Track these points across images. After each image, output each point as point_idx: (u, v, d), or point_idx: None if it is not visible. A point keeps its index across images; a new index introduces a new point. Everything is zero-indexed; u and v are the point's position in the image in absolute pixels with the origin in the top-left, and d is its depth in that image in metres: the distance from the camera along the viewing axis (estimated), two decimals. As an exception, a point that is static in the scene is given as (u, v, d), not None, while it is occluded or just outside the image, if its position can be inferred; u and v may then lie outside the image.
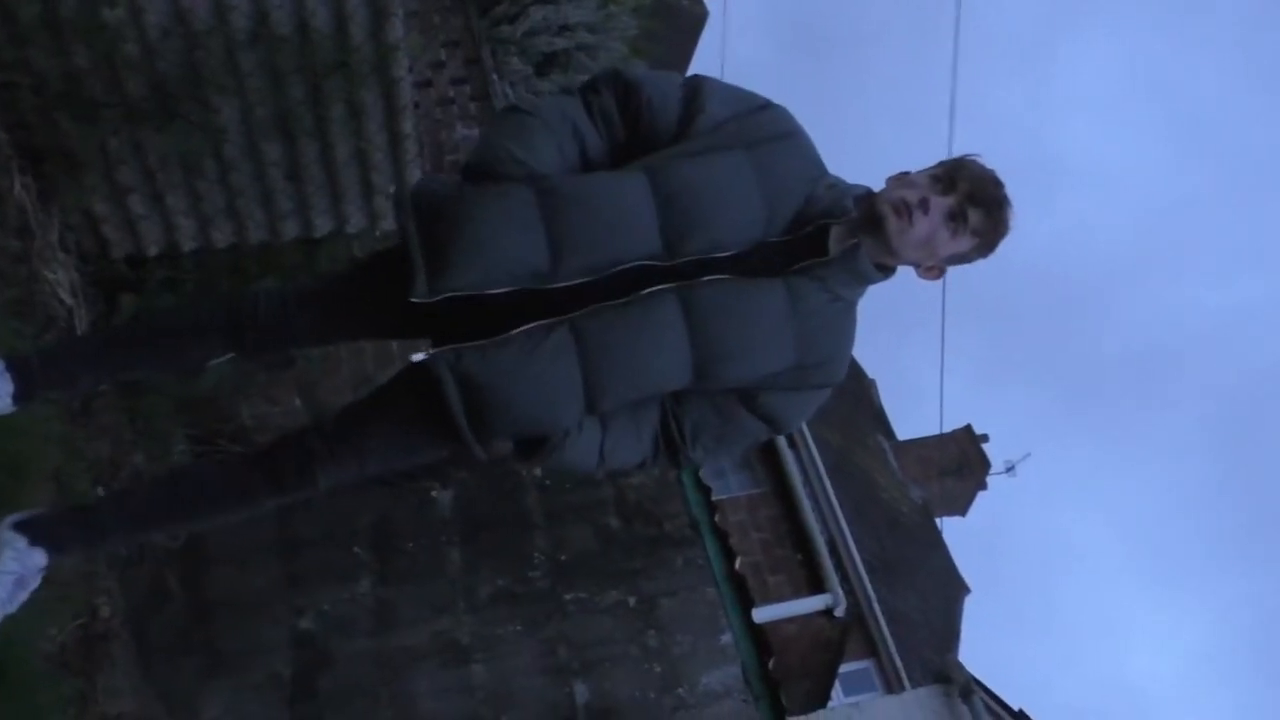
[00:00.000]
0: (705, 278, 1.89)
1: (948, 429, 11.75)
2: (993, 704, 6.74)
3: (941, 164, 1.96)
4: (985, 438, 11.85)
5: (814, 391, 2.07)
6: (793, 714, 3.35)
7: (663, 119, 1.97)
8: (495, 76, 4.49)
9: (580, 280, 1.87)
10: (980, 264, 2.01)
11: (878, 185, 1.96)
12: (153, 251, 3.51)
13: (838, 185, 1.97)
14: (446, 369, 1.89)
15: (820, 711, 6.79)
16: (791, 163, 1.96)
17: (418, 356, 1.91)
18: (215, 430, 3.88)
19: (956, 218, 1.88)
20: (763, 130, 1.96)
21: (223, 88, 3.08)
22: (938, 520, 10.90)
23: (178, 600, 3.53)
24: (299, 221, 3.56)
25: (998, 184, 1.91)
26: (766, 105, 2.01)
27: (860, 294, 2.02)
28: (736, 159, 1.93)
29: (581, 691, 3.27)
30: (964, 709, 6.82)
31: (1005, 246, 1.94)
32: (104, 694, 3.10)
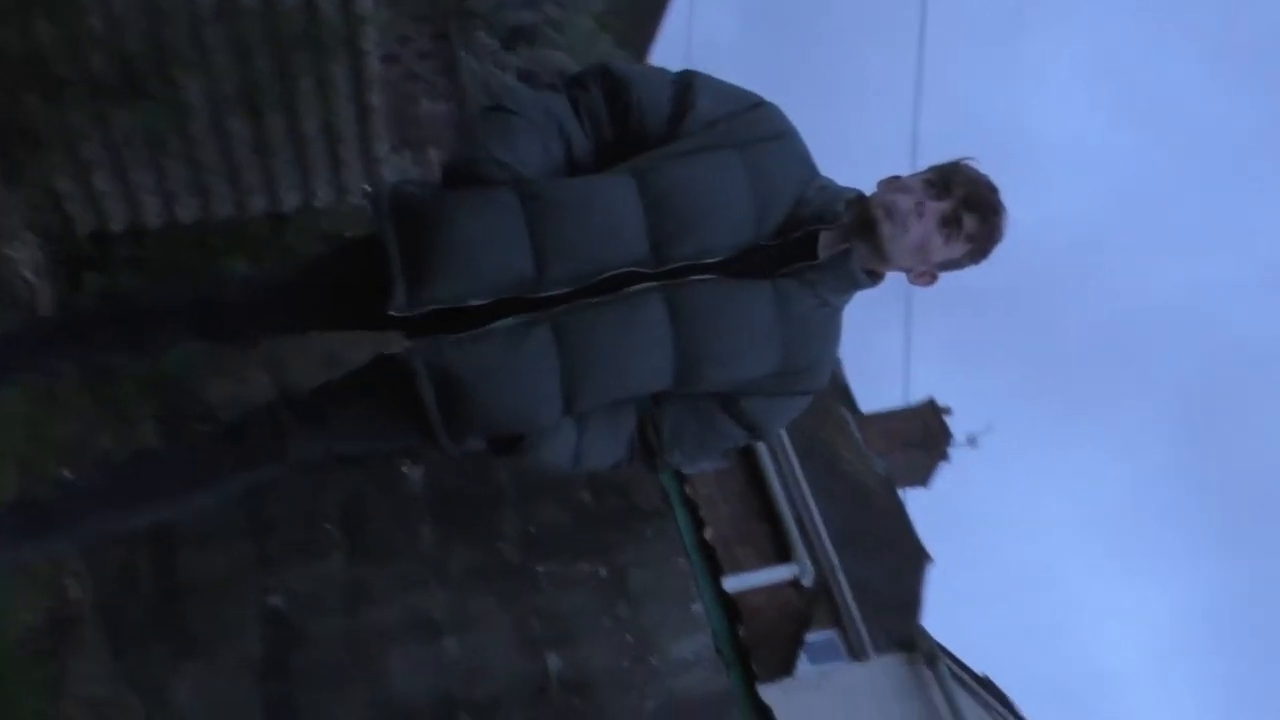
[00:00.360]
0: (692, 276, 1.84)
1: (911, 403, 11.89)
2: (958, 670, 6.86)
3: (935, 168, 1.90)
4: (948, 410, 11.98)
5: (796, 398, 2.02)
6: (761, 682, 3.38)
7: (652, 117, 1.90)
8: (463, 52, 4.46)
9: (566, 289, 1.81)
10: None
11: (867, 187, 1.91)
12: (117, 228, 3.47)
13: (828, 188, 1.92)
14: (421, 363, 1.83)
15: (787, 679, 6.89)
16: (783, 164, 1.91)
17: (394, 350, 1.84)
18: (182, 410, 3.85)
19: (950, 223, 1.83)
20: (755, 130, 1.91)
21: (188, 63, 3.05)
22: (901, 491, 11.03)
23: (147, 581, 3.50)
24: (266, 196, 3.53)
25: (992, 189, 1.87)
26: (759, 104, 1.95)
27: (847, 300, 1.97)
28: (728, 159, 1.88)
29: (555, 663, 3.29)
30: (929, 675, 6.94)
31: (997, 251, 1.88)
32: (75, 678, 3.08)
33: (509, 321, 1.82)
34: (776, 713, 3.13)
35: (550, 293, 1.81)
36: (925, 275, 1.91)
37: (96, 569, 3.34)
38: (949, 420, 12.06)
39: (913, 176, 1.89)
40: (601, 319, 1.83)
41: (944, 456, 11.70)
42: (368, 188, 1.92)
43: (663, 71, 1.98)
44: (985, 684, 7.03)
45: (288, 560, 3.64)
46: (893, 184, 1.89)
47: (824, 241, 1.87)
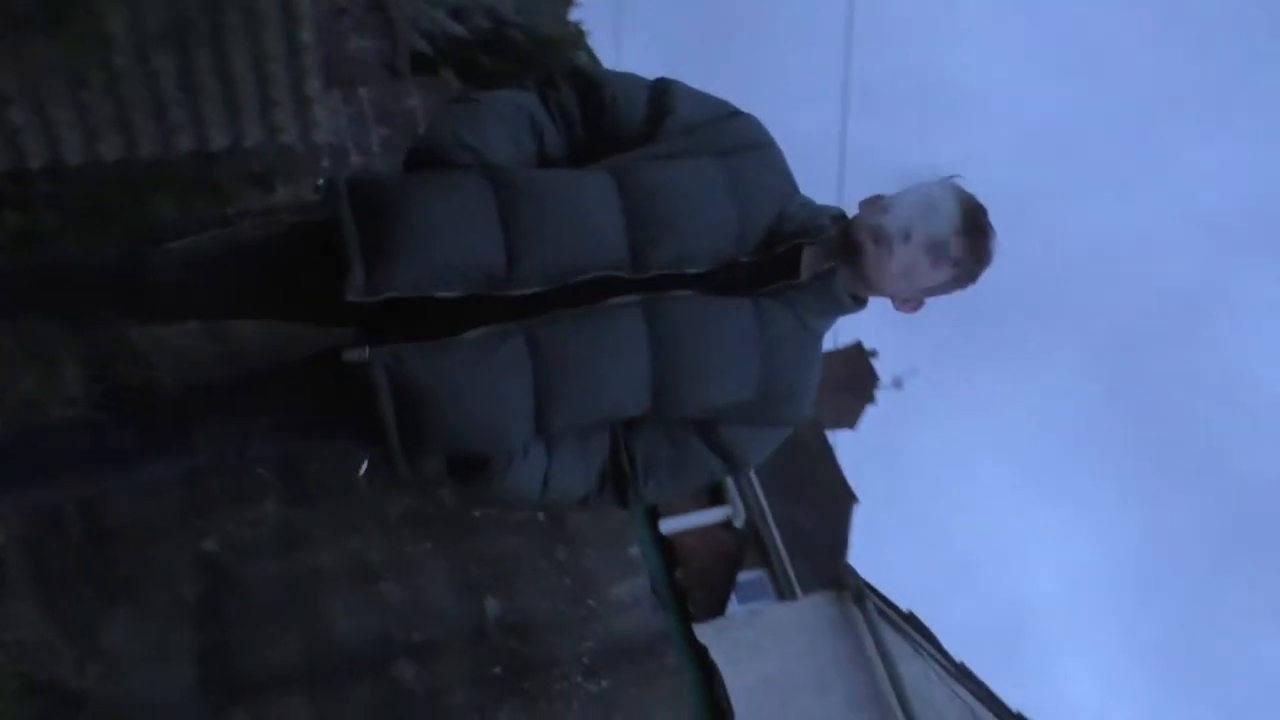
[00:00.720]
0: (672, 292, 1.73)
1: (839, 346, 12.05)
2: (884, 608, 7.03)
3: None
4: (874, 354, 12.18)
5: (775, 429, 1.92)
6: (695, 622, 3.44)
7: (627, 119, 1.81)
8: (393, -14, 4.36)
9: (538, 289, 1.69)
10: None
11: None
12: (36, 165, 3.36)
13: (809, 205, 1.84)
14: (383, 372, 1.67)
15: (720, 619, 7.00)
16: (764, 176, 1.83)
17: (351, 355, 1.68)
18: (108, 354, 3.77)
19: (938, 247, 1.74)
20: (734, 139, 1.83)
21: (111, -7, 2.95)
22: (829, 434, 11.21)
23: (75, 526, 3.44)
24: (193, 135, 3.44)
25: (980, 210, 1.77)
26: (736, 113, 1.87)
27: (828, 326, 1.88)
28: (707, 166, 1.78)
29: (493, 606, 3.31)
30: (855, 612, 7.10)
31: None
32: (2, 622, 3.03)
33: (480, 331, 1.68)
34: (710, 651, 3.18)
35: (521, 291, 1.69)
36: (910, 302, 1.83)
37: (23, 513, 3.28)
38: (875, 364, 12.27)
39: (895, 197, 1.80)
40: (578, 332, 1.71)
41: (871, 399, 11.90)
42: (320, 180, 1.78)
43: (637, 77, 1.89)
44: (910, 620, 7.21)
45: (221, 505, 3.60)
46: (876, 205, 1.80)
47: (806, 260, 1.79)
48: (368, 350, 1.68)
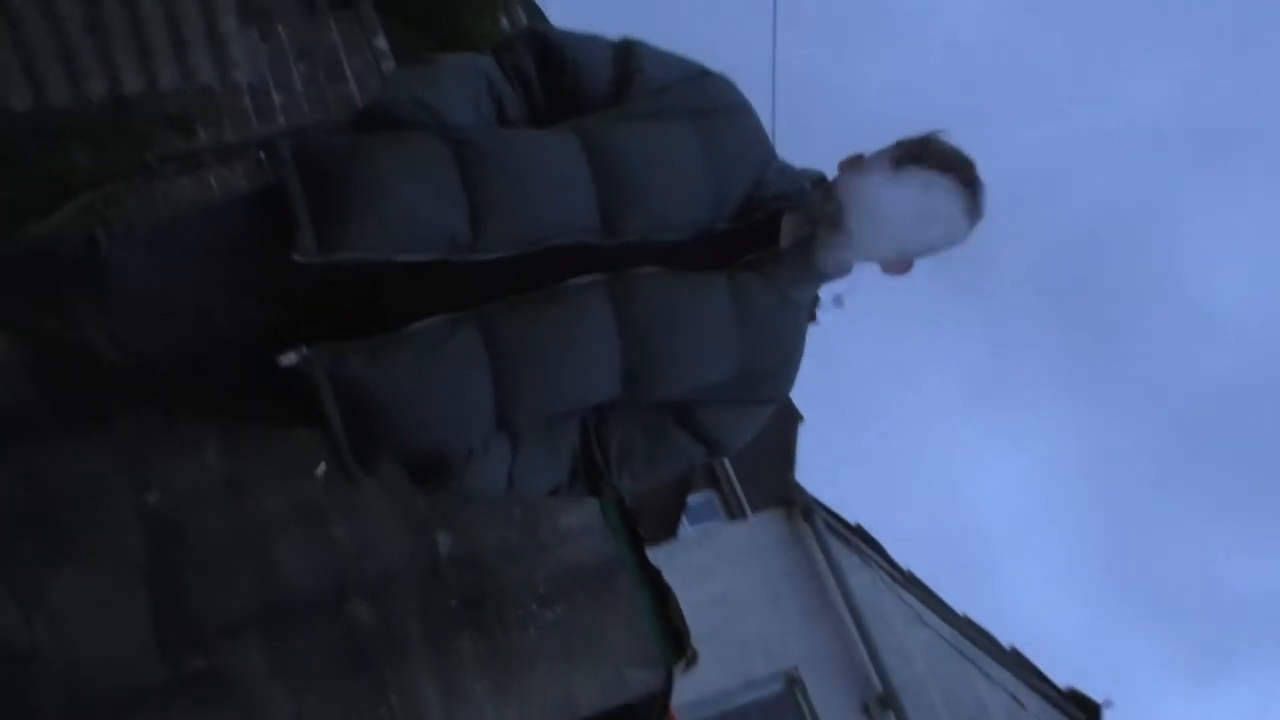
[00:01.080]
0: (639, 270, 1.62)
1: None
2: (832, 521, 7.16)
3: (902, 144, 1.71)
4: (813, 272, 12.22)
5: (757, 408, 1.83)
6: (647, 546, 3.48)
7: (589, 82, 1.71)
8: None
9: (507, 253, 1.57)
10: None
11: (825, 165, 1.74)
12: (-58, 118, 3.24)
13: (788, 169, 1.75)
14: (324, 375, 1.54)
15: (671, 542, 7.10)
16: (740, 139, 1.72)
17: (286, 358, 1.53)
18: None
19: (924, 207, 1.64)
20: (706, 100, 1.72)
21: (6, -66, 2.83)
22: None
23: (11, 484, 3.40)
24: (105, 80, 3.33)
25: (968, 165, 1.68)
26: (707, 73, 1.77)
27: (810, 296, 1.78)
28: (680, 129, 1.67)
29: (444, 542, 3.32)
30: (805, 528, 7.23)
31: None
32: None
33: (429, 322, 1.55)
34: (664, 574, 3.23)
35: (488, 256, 1.56)
36: (898, 265, 1.73)
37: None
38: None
39: (878, 155, 1.71)
40: (537, 318, 1.59)
41: (813, 318, 11.96)
42: (263, 153, 1.65)
43: (598, 38, 1.79)
44: (858, 532, 7.36)
45: (160, 456, 3.56)
46: (856, 165, 1.71)
47: (786, 228, 1.69)
48: (305, 351, 1.54)
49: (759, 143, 1.76)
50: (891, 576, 7.32)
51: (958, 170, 1.67)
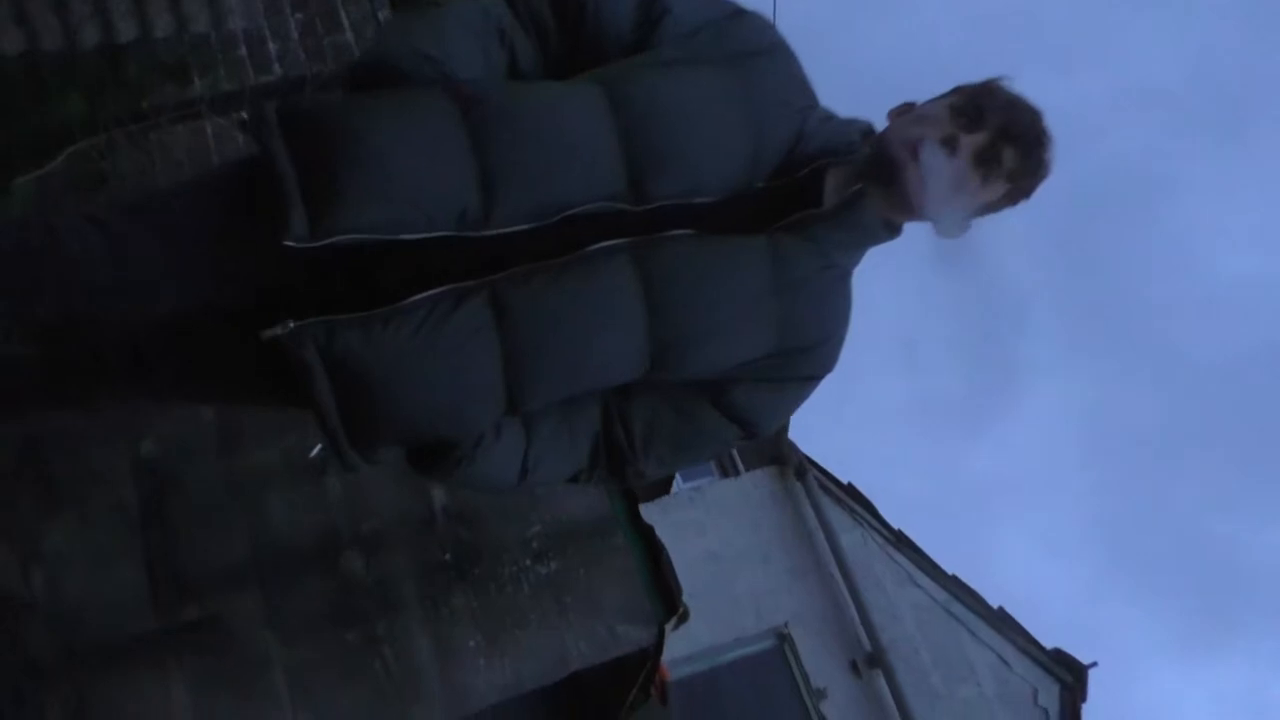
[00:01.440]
0: (668, 233, 1.44)
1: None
2: (824, 480, 7.19)
3: (961, 91, 1.53)
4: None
5: (798, 385, 1.63)
6: (640, 503, 3.50)
7: (612, 26, 1.52)
8: None
9: (522, 226, 1.39)
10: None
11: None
12: (-66, 63, 3.21)
13: (832, 118, 1.56)
14: (315, 351, 1.38)
15: (664, 498, 7.13)
16: (779, 85, 1.53)
17: (272, 332, 1.37)
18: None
19: (988, 160, 1.48)
20: (740, 43, 1.53)
21: (-2, -124, 2.78)
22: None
23: (5, 432, 3.40)
24: (99, 27, 3.29)
25: (1035, 114, 1.51)
26: (740, 11, 1.57)
27: (857, 260, 1.59)
28: (715, 76, 1.48)
29: (440, 496, 3.33)
30: (797, 486, 7.27)
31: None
32: (-60, 532, 3.00)
33: (430, 294, 1.39)
34: (657, 530, 3.24)
35: (503, 230, 1.39)
36: (955, 226, 1.52)
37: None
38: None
39: (934, 103, 1.54)
40: (554, 288, 1.41)
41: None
42: (243, 113, 1.52)
43: None
44: (850, 491, 7.39)
45: (154, 406, 3.56)
46: (910, 114, 1.54)
47: (831, 184, 1.51)
48: (291, 325, 1.37)
49: (800, 89, 1.56)
50: (883, 536, 7.36)
51: (1023, 122, 1.50)
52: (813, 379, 1.63)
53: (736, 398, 1.59)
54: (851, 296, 1.61)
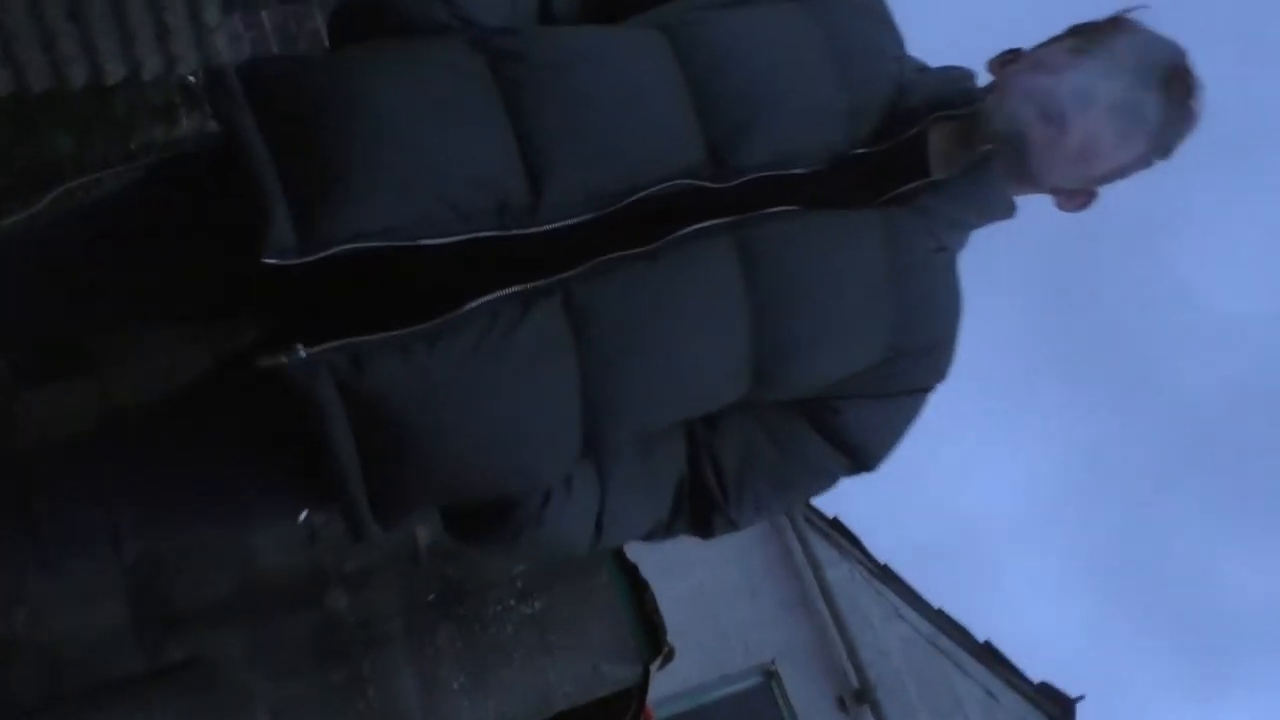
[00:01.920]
0: (768, 210, 1.14)
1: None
2: (810, 514, 7.19)
3: (1083, 31, 1.25)
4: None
5: (912, 399, 1.32)
6: (629, 540, 3.49)
7: None
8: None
9: (579, 218, 1.08)
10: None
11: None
12: (-77, 103, 3.22)
13: (925, 69, 1.28)
14: (332, 387, 1.03)
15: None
16: (868, 28, 1.25)
17: (273, 360, 1.02)
18: None
19: (1127, 111, 1.19)
20: None
21: (-11, -80, 2.81)
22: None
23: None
24: (87, 66, 3.31)
25: (1181, 54, 1.22)
26: None
27: (964, 243, 1.30)
28: (795, 17, 1.20)
29: (424, 534, 3.33)
30: (783, 520, 7.26)
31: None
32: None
33: (486, 301, 1.05)
34: (641, 568, 3.25)
35: (556, 224, 1.07)
36: (1080, 196, 1.29)
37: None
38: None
39: (1050, 48, 1.27)
40: (643, 284, 1.09)
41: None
42: (192, 76, 1.14)
43: None
44: (835, 525, 7.40)
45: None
46: (1021, 60, 1.27)
47: (936, 148, 1.24)
48: (302, 351, 1.02)
49: (891, 33, 1.28)
50: (869, 570, 7.36)
51: (1169, 63, 1.22)
52: (926, 390, 1.33)
53: (845, 419, 1.27)
54: (961, 288, 1.31)
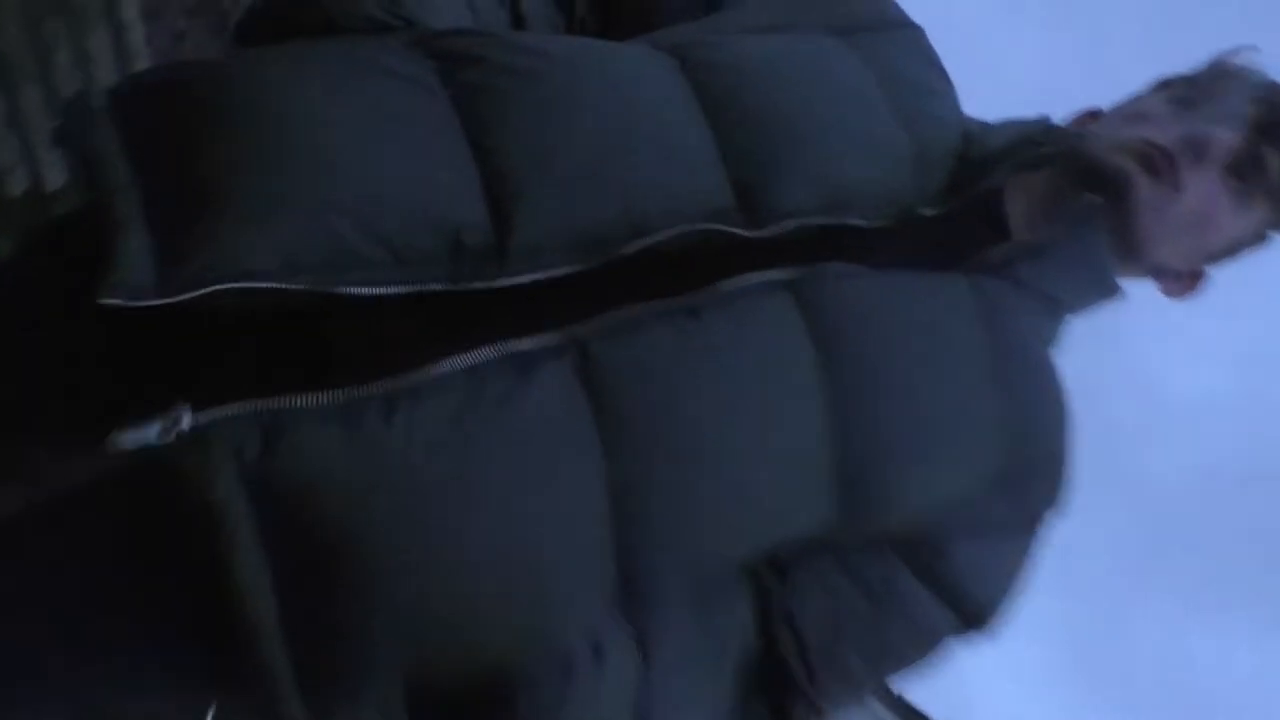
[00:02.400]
0: (829, 265, 0.88)
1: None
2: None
3: (1176, 83, 1.08)
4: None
5: (1029, 533, 1.01)
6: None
7: None
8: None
9: (561, 269, 0.80)
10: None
11: None
12: None
13: (988, 123, 1.05)
14: (233, 474, 0.69)
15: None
16: (921, 68, 1.03)
17: (144, 434, 0.70)
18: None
19: (1246, 170, 0.99)
20: (855, 10, 1.02)
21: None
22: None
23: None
24: (27, 174, 3.30)
25: None
26: None
27: (1058, 336, 1.05)
28: (833, 45, 0.96)
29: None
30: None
31: None
32: None
33: (471, 359, 0.76)
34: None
35: (522, 278, 0.79)
36: (1188, 280, 1.10)
37: None
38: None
39: (1144, 102, 1.07)
40: (686, 348, 0.80)
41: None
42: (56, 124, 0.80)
43: None
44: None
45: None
46: (1109, 118, 1.07)
47: (1018, 208, 1.00)
48: (186, 418, 0.70)
49: (944, 78, 1.05)
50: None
51: None
52: (1041, 524, 1.02)
53: (954, 562, 0.95)
54: (1067, 392, 1.02)
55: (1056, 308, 1.01)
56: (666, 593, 0.83)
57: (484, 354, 0.77)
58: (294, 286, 0.74)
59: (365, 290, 0.75)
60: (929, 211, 0.95)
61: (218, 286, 0.73)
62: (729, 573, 0.89)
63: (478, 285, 0.78)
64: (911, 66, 1.02)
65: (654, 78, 0.88)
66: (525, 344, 0.78)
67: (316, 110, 0.79)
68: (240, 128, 0.78)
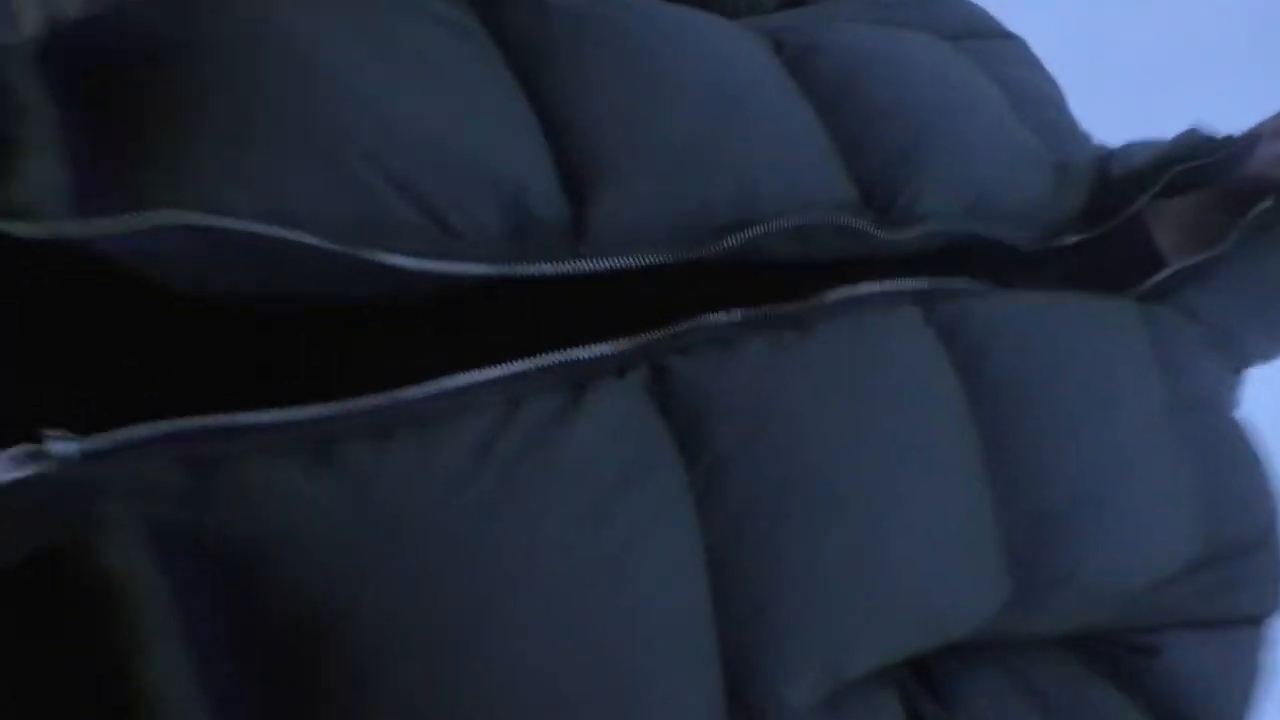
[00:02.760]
0: (959, 282, 0.69)
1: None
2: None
3: None
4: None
5: (1249, 632, 0.73)
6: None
7: None
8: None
9: (651, 259, 0.58)
10: None
11: None
12: None
13: (1090, 138, 0.88)
14: (141, 539, 0.44)
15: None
16: (1041, 81, 0.88)
17: (24, 469, 0.45)
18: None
19: None
20: (964, 18, 0.89)
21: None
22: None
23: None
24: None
25: None
26: None
27: (1238, 388, 0.81)
28: (947, 49, 0.81)
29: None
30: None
31: None
32: None
33: (504, 370, 0.54)
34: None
35: (606, 262, 0.57)
36: None
37: None
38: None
39: None
40: (795, 370, 0.59)
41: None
42: None
43: None
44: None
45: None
46: (1272, 128, 0.79)
47: (1168, 234, 0.78)
48: (66, 444, 0.46)
49: (1061, 93, 0.91)
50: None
51: None
52: (1262, 620, 0.75)
53: (1169, 661, 0.70)
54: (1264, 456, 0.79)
55: (1232, 348, 0.78)
56: (787, 708, 0.57)
57: (524, 364, 0.54)
58: (289, 236, 0.50)
59: (396, 260, 0.52)
60: (1072, 239, 0.74)
61: (169, 218, 0.48)
62: (868, 678, 0.62)
63: (545, 269, 0.56)
64: (1030, 77, 0.88)
65: (747, 53, 0.70)
66: (582, 352, 0.56)
67: (338, 43, 0.56)
68: (225, 49, 0.54)
